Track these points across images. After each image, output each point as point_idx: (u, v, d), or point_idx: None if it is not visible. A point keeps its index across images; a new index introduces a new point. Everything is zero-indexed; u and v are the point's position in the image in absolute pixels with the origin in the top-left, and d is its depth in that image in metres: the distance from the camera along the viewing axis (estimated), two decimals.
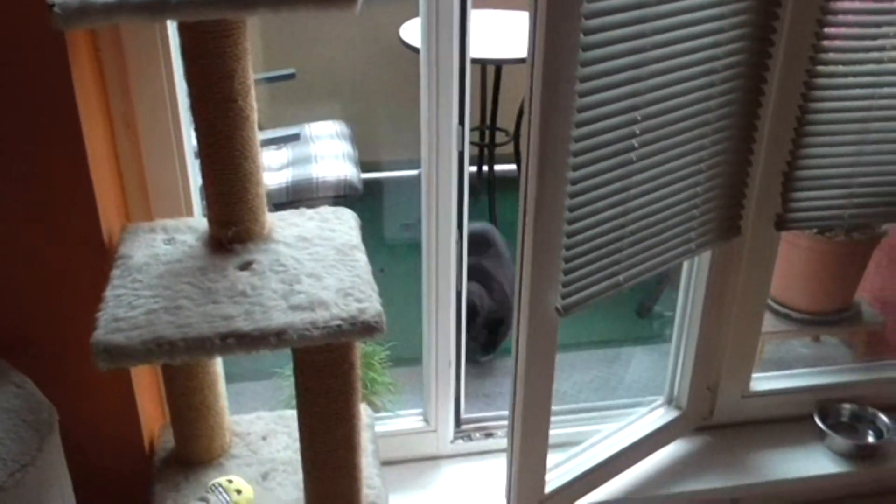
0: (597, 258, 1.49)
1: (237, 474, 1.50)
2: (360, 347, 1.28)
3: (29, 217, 1.30)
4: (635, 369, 2.46)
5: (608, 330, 2.73)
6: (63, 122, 1.25)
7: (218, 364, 1.50)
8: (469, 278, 1.85)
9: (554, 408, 2.13)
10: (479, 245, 2.27)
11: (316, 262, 1.29)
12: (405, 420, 1.97)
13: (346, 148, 2.70)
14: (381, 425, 1.94)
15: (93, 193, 1.30)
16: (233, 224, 1.30)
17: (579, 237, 1.45)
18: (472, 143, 3.23)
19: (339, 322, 1.16)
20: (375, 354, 2.11)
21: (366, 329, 1.16)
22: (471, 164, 1.74)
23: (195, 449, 1.53)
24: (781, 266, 2.18)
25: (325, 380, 1.24)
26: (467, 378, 2.10)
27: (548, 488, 1.75)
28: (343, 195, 2.45)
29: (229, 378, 2.32)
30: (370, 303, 1.20)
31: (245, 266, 1.28)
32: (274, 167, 2.62)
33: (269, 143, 2.50)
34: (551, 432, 1.91)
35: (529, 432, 1.65)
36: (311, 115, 2.92)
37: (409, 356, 2.31)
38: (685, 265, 1.87)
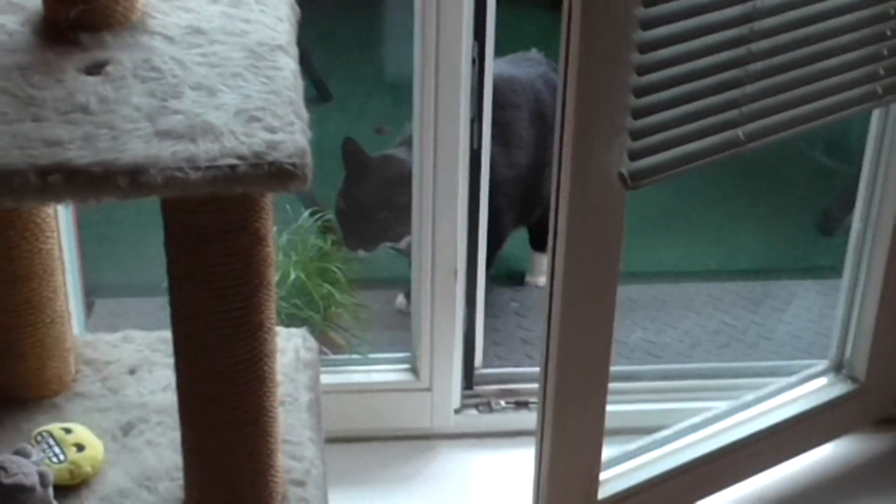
0: (695, 94, 1.56)
1: (82, 422, 1.62)
2: (273, 209, 1.37)
3: None
4: (798, 316, 2.53)
5: (765, 252, 2.80)
6: None
7: (52, 240, 1.61)
8: None
9: (636, 367, 2.23)
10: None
11: (211, 67, 1.37)
12: (382, 370, 2.09)
13: None
14: (340, 374, 2.07)
15: None
16: None
17: (663, 53, 1.51)
18: None
19: (233, 160, 1.24)
20: (337, 258, 2.21)
21: (276, 174, 1.24)
22: None
23: (16, 378, 1.65)
24: None
25: (214, 258, 1.33)
26: (493, 308, 2.19)
27: (602, 493, 1.84)
28: None
29: (100, 291, 2.49)
30: (288, 133, 1.27)
31: (95, 68, 1.37)
32: None
33: None
34: (627, 408, 2.03)
35: (571, 399, 1.74)
36: None
37: (401, 272, 2.42)
38: (872, 142, 1.92)
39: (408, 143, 2.20)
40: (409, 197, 2.00)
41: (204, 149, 1.26)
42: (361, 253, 2.37)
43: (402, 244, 2.36)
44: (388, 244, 2.39)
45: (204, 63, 1.39)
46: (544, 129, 2.40)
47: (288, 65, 1.40)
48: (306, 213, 2.33)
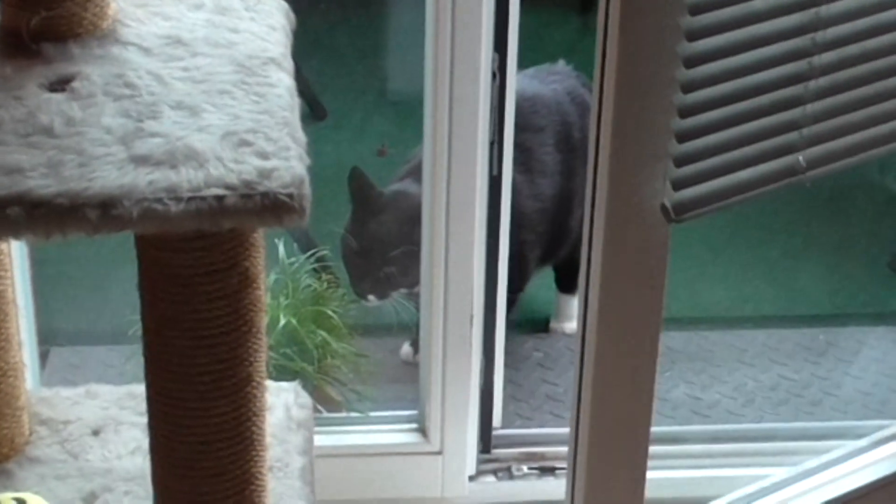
0: (749, 114, 1.57)
1: (37, 491, 1.63)
2: (264, 252, 1.38)
3: None
4: (868, 369, 2.54)
5: (830, 294, 2.81)
6: None
7: (5, 281, 1.63)
8: None
9: (680, 428, 2.24)
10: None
11: (194, 83, 1.38)
12: (385, 430, 2.10)
13: None
14: (337, 434, 2.08)
15: None
16: (40, 4, 1.40)
17: (712, 67, 1.52)
18: None
19: (220, 191, 1.24)
20: (333, 300, 2.22)
21: (270, 207, 1.24)
22: None
23: None
24: None
25: (196, 303, 1.34)
26: (514, 359, 2.19)
27: None
28: None
29: (55, 339, 2.48)
30: (283, 160, 1.28)
31: (60, 84, 1.38)
32: None
33: None
34: (670, 474, 2.04)
35: (606, 464, 1.74)
36: None
37: (408, 317, 2.43)
38: None
39: (416, 171, 2.20)
40: None
41: (186, 177, 1.27)
42: (372, 300, 2.37)
43: (419, 290, 2.34)
44: (402, 291, 2.39)
45: (186, 78, 1.40)
46: (573, 153, 2.41)
47: (282, 80, 1.41)
48: (303, 258, 2.33)
